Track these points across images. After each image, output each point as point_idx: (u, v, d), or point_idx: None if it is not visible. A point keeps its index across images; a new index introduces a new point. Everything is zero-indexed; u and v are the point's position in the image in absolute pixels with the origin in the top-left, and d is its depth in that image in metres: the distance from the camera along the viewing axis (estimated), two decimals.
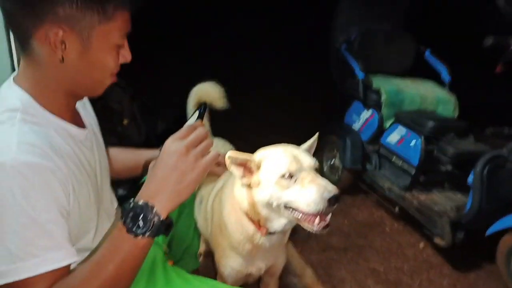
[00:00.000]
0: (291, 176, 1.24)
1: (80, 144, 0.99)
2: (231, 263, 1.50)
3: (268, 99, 4.88)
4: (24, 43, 0.88)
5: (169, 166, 0.84)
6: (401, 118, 2.85)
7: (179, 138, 0.87)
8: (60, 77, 0.91)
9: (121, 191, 2.13)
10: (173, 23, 6.79)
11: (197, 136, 0.87)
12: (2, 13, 0.88)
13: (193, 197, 1.72)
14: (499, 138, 2.39)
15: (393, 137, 2.87)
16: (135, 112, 2.96)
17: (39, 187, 0.80)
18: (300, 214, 1.24)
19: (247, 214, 1.38)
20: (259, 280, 1.72)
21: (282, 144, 1.37)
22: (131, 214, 0.83)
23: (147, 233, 0.83)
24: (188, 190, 0.86)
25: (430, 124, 2.64)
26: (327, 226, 1.24)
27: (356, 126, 3.15)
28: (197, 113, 0.97)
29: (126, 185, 2.47)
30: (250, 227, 1.38)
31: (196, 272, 1.70)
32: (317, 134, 1.44)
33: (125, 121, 2.90)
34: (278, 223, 1.34)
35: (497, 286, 2.33)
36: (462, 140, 2.62)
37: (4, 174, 0.77)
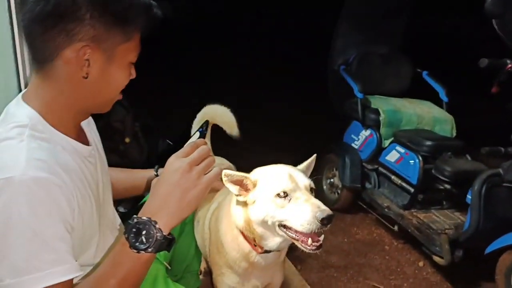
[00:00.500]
0: (286, 195, 1.28)
1: (85, 160, 1.01)
2: (227, 281, 1.51)
3: (267, 119, 4.92)
4: (45, 63, 0.90)
5: (172, 183, 0.86)
6: (399, 137, 2.89)
7: (182, 155, 0.89)
8: (76, 95, 0.94)
9: (121, 209, 2.14)
10: (174, 44, 6.90)
11: (199, 153, 0.89)
12: (25, 34, 0.91)
13: (193, 215, 1.73)
14: (495, 158, 2.42)
15: (392, 156, 2.90)
16: (137, 131, 3.00)
17: (46, 202, 0.82)
18: (294, 234, 1.27)
19: (242, 233, 1.40)
20: None
21: (280, 164, 1.41)
22: (134, 230, 0.84)
23: (150, 249, 0.84)
24: (190, 207, 0.88)
25: (428, 143, 2.68)
26: (320, 246, 1.26)
27: (355, 145, 3.19)
28: (196, 136, 1.00)
29: (127, 203, 2.49)
30: (246, 246, 1.41)
31: None
32: (314, 155, 1.47)
33: (127, 140, 2.93)
34: (273, 241, 1.37)
35: None
36: (459, 159, 2.66)
37: (12, 188, 0.79)
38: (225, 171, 1.31)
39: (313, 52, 4.90)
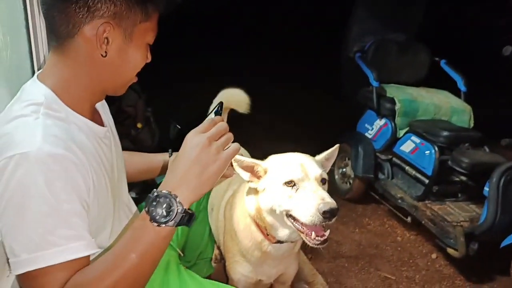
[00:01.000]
0: (294, 184, 1.24)
1: (100, 141, 1.01)
2: (241, 270, 1.50)
3: (279, 108, 4.89)
4: (65, 39, 0.90)
5: (192, 158, 0.85)
6: (415, 128, 2.84)
7: (201, 131, 0.88)
8: (93, 74, 0.93)
9: (133, 194, 2.14)
10: (187, 30, 6.86)
11: (218, 129, 0.88)
12: (45, 9, 0.90)
13: (207, 203, 1.72)
14: None
15: (406, 146, 2.86)
16: (149, 116, 2.99)
17: (62, 177, 0.81)
18: (300, 225, 1.23)
19: (255, 222, 1.38)
20: (270, 287, 1.72)
21: (296, 153, 1.37)
22: (154, 203, 0.83)
23: (170, 222, 0.83)
24: (210, 182, 0.87)
25: (445, 134, 2.63)
26: (324, 241, 1.21)
27: (369, 134, 3.14)
28: (211, 115, 0.99)
29: (138, 188, 2.50)
30: (258, 235, 1.39)
31: (209, 278, 1.70)
32: (337, 145, 1.42)
33: (139, 125, 2.93)
34: (283, 231, 1.34)
35: None
36: (477, 150, 2.61)
37: (29, 164, 0.79)
38: (236, 157, 1.29)
39: (328, 39, 4.83)
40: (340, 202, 3.18)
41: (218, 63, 6.07)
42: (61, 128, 0.87)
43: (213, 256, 1.81)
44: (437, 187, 2.67)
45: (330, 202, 1.16)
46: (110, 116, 1.19)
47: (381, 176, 3.04)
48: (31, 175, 0.78)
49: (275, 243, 1.38)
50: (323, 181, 1.29)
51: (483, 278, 2.46)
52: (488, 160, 2.49)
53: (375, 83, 3.02)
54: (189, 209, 0.86)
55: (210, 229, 1.74)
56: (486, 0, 5.56)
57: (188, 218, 0.86)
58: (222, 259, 1.86)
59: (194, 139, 0.87)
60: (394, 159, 2.96)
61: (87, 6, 0.86)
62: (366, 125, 3.20)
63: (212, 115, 0.98)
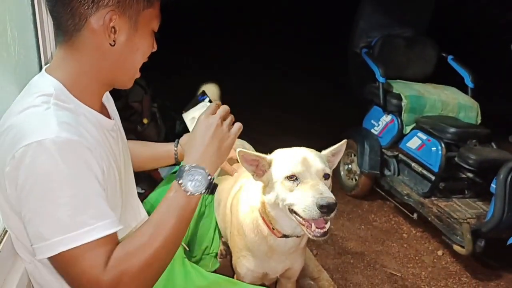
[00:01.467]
0: (295, 178, 1.25)
1: (108, 134, 1.02)
2: (247, 264, 1.50)
3: (285, 104, 4.88)
4: (72, 33, 0.91)
5: (209, 135, 0.98)
6: (421, 124, 2.82)
7: (211, 113, 1.01)
8: (102, 64, 0.95)
9: (139, 189, 2.15)
10: (194, 25, 6.86)
11: (224, 110, 1.02)
12: (51, 5, 0.91)
13: (212, 198, 1.73)
14: None
15: (413, 143, 2.84)
16: (155, 112, 3.00)
17: (80, 161, 0.83)
18: (301, 219, 1.24)
19: (261, 215, 1.38)
20: (276, 282, 1.72)
21: (301, 147, 1.37)
22: (186, 175, 0.92)
23: (203, 190, 0.93)
24: (225, 154, 1.02)
25: (452, 130, 2.61)
26: (324, 233, 1.22)
27: (375, 131, 3.13)
28: (206, 101, 1.14)
29: (144, 184, 2.51)
30: (265, 229, 1.39)
31: (215, 272, 1.70)
32: (344, 141, 1.42)
33: (145, 121, 2.94)
34: (287, 225, 1.34)
35: None
36: (484, 147, 2.59)
37: (48, 150, 0.80)
38: (240, 150, 1.29)
39: (335, 34, 4.80)
40: (345, 199, 3.19)
41: (225, 59, 6.08)
42: (72, 118, 0.88)
43: (219, 252, 1.81)
44: (443, 183, 2.66)
45: (328, 196, 1.17)
46: (116, 110, 1.20)
47: (387, 172, 3.03)
48: (51, 160, 0.80)
49: (280, 237, 1.38)
50: (325, 176, 1.28)
51: (490, 275, 2.45)
52: (496, 156, 2.47)
53: (381, 79, 3.00)
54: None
55: (216, 225, 1.74)
56: None
57: (213, 186, 0.97)
58: (227, 255, 1.86)
59: (207, 119, 1.00)
60: (400, 155, 2.95)
61: None
62: (372, 121, 3.18)
63: (207, 103, 1.13)
